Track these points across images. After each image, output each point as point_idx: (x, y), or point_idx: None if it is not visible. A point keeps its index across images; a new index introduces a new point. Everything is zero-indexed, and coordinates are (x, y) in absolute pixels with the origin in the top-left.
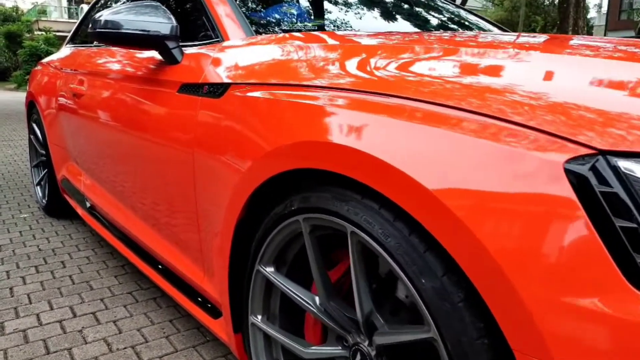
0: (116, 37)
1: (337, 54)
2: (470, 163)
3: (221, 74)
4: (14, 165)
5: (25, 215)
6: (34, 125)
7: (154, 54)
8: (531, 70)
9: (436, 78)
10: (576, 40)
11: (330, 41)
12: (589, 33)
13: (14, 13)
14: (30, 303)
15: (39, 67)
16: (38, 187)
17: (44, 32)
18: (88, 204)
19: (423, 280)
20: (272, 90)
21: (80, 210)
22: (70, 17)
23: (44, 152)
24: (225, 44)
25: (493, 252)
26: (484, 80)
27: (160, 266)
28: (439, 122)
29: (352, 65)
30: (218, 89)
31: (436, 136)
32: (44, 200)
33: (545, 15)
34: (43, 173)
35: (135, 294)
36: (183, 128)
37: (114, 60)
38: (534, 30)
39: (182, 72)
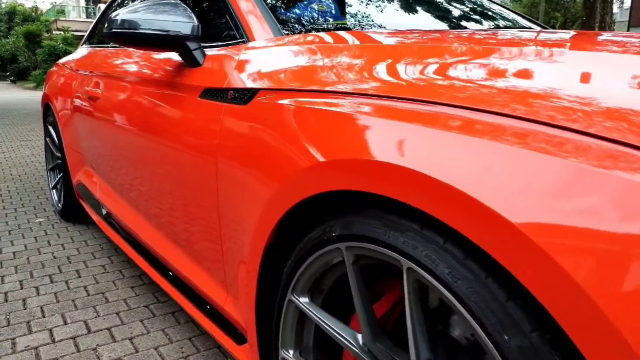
0: (133, 37)
1: (384, 56)
2: (568, 189)
3: (247, 79)
4: (31, 166)
5: (41, 220)
6: (50, 128)
7: (173, 56)
8: (585, 70)
9: (502, 85)
10: (614, 37)
11: (373, 41)
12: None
13: (33, 13)
14: (44, 317)
15: (54, 68)
16: (54, 191)
17: (62, 32)
18: (104, 211)
19: (506, 337)
20: (306, 98)
21: (95, 217)
22: (88, 16)
23: (59, 155)
24: (251, 44)
25: (604, 307)
26: (553, 84)
27: (178, 281)
28: (518, 139)
29: (402, 69)
30: (244, 95)
31: (516, 156)
32: (59, 205)
33: (565, 11)
34: (59, 176)
35: (153, 307)
36: (206, 136)
37: (131, 61)
38: (553, 27)
39: (204, 76)
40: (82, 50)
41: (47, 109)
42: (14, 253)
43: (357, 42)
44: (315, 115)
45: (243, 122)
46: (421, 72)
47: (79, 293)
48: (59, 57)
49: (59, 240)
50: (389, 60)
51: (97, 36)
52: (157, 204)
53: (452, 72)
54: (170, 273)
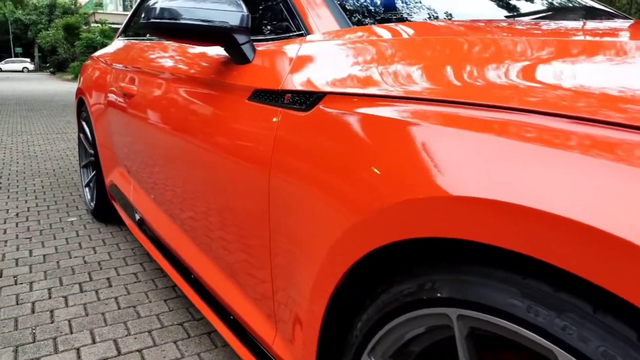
0: (173, 28)
1: (499, 54)
2: None
3: (309, 80)
4: (65, 160)
5: (73, 219)
6: (84, 123)
7: (216, 51)
8: None
9: None
10: None
11: (475, 33)
12: None
13: (73, 6)
14: (71, 332)
15: (89, 62)
16: (87, 189)
17: (99, 25)
18: (137, 217)
19: None
20: (394, 107)
21: (128, 222)
22: (125, 9)
23: (92, 152)
24: (311, 38)
25: None
26: None
27: (214, 301)
28: None
29: (536, 71)
30: (305, 100)
31: None
32: (92, 204)
33: None
34: (92, 174)
35: (187, 325)
36: (257, 144)
37: (168, 56)
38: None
39: (254, 75)
40: (117, 43)
41: (81, 103)
42: (44, 256)
43: (461, 34)
44: (409, 132)
45: (305, 132)
46: (540, 75)
47: (110, 305)
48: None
49: (91, 243)
50: (506, 61)
51: (132, 28)
52: (194, 216)
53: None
54: (207, 293)
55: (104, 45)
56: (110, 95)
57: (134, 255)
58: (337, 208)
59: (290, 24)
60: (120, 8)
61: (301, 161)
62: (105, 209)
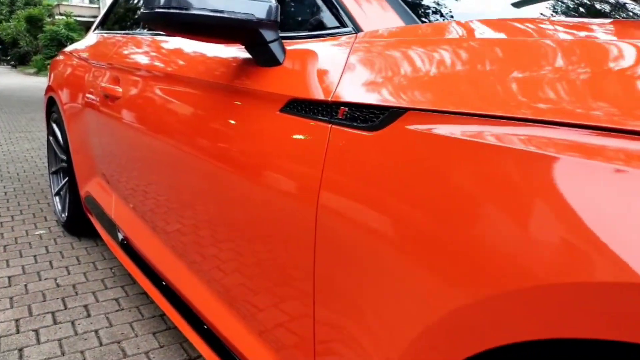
0: (184, 21)
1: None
2: None
3: (378, 91)
4: (30, 162)
5: (42, 232)
6: (54, 126)
7: (235, 50)
8: None
9: None
10: None
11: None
12: None
13: None
14: None
15: (61, 57)
16: (57, 198)
17: (64, 17)
18: (120, 236)
19: None
20: (520, 134)
21: (108, 240)
22: (91, 2)
23: (64, 157)
24: (366, 36)
25: None
26: None
27: (215, 340)
28: None
29: None
30: (371, 116)
31: None
32: (63, 215)
33: None
34: (63, 182)
35: None
36: (294, 168)
37: (165, 53)
38: None
39: (287, 81)
40: (94, 37)
41: (51, 103)
42: (9, 278)
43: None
44: (550, 171)
45: (373, 158)
46: None
47: (90, 341)
48: (61, 43)
49: (63, 262)
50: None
51: (112, 21)
52: (199, 246)
53: None
54: (210, 334)
55: (69, 38)
56: (88, 95)
57: (114, 277)
58: (432, 279)
59: (326, 18)
60: (87, 0)
61: (370, 196)
62: (79, 221)
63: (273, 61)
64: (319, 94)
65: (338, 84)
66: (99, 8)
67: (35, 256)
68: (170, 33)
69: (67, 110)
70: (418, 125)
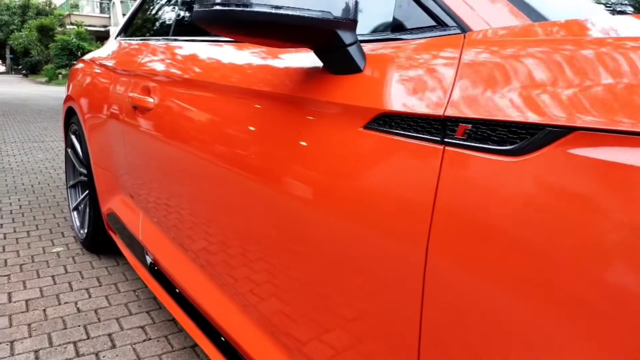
0: (246, 20)
1: None
2: None
3: (517, 104)
4: (45, 174)
5: (59, 250)
6: (73, 138)
7: (301, 58)
8: None
9: None
10: None
11: None
12: None
13: (47, 7)
14: None
15: (80, 65)
16: (75, 213)
17: (75, 26)
18: (149, 260)
19: None
20: None
21: (135, 263)
22: (102, 11)
23: (84, 171)
24: (477, 36)
25: None
26: None
27: None
28: None
29: None
30: (512, 136)
31: None
32: (82, 232)
33: None
34: (82, 196)
35: None
36: (391, 200)
37: (210, 61)
38: None
39: (372, 91)
40: (117, 44)
41: (70, 114)
42: (26, 302)
43: None
44: None
45: (518, 190)
46: None
47: None
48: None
49: (83, 283)
50: None
51: (138, 27)
52: (250, 281)
53: None
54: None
55: (79, 47)
56: (113, 106)
57: (138, 300)
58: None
59: (415, 17)
60: (97, 10)
61: (514, 246)
62: (99, 239)
63: (351, 68)
64: (423, 108)
65: (450, 94)
66: (109, 18)
67: (53, 277)
68: (228, 35)
69: (88, 122)
70: (588, 149)
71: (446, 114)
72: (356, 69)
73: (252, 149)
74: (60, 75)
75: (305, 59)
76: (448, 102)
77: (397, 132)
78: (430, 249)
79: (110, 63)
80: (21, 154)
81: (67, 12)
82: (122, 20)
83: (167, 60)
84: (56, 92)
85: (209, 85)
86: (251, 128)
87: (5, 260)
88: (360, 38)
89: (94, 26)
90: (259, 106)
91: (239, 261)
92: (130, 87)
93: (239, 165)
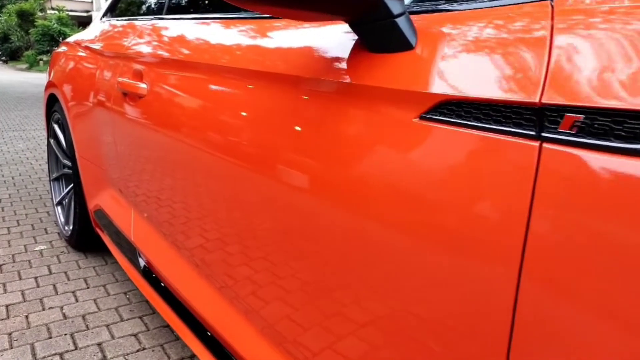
0: None
1: None
2: None
3: None
4: (26, 164)
5: (43, 247)
6: (56, 127)
7: (331, 33)
8: None
9: None
10: None
11: None
12: None
13: None
14: None
15: (63, 49)
16: (59, 208)
17: (56, 12)
18: (142, 263)
19: None
20: None
21: (125, 264)
22: None
23: (69, 164)
24: (572, 5)
25: None
26: None
27: None
28: None
29: None
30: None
31: None
32: (66, 228)
33: None
34: (66, 191)
35: None
36: (465, 206)
37: (213, 41)
38: None
39: (427, 72)
40: (104, 25)
41: (52, 101)
42: (7, 308)
43: None
44: None
45: None
46: None
47: None
48: (53, 38)
49: (69, 285)
50: None
51: (126, 5)
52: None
53: None
54: None
55: (61, 32)
56: (99, 93)
57: (130, 304)
58: None
59: None
60: None
61: None
62: (85, 236)
63: (400, 45)
64: (509, 94)
65: (545, 77)
66: (91, 2)
67: (36, 278)
68: (252, 5)
69: (72, 110)
70: None
71: (543, 100)
72: (406, 46)
73: (269, 142)
74: (41, 62)
75: (334, 34)
76: (544, 87)
77: (468, 124)
78: (523, 277)
79: (96, 46)
80: (0, 144)
81: None
82: (105, 5)
83: (162, 42)
84: (37, 79)
85: (214, 69)
86: (266, 118)
87: None
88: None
89: (76, 11)
90: (272, 91)
91: (240, 261)
92: (119, 72)
93: (251, 161)
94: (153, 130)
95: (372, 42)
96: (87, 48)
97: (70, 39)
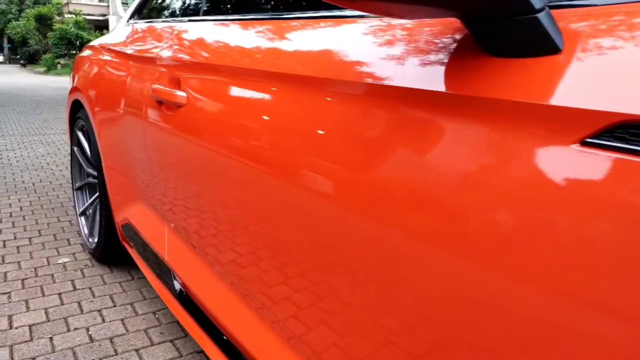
0: None
1: None
2: None
3: None
4: (47, 170)
5: (66, 260)
6: (80, 135)
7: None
8: None
9: None
10: None
11: None
12: None
13: None
14: None
15: (88, 53)
16: (82, 219)
17: (74, 15)
18: (177, 286)
19: None
20: None
21: (156, 284)
22: (100, 0)
23: (94, 173)
24: None
25: None
26: None
27: None
28: None
29: None
30: None
31: None
32: (90, 240)
33: None
34: (91, 200)
35: None
36: None
37: (279, 44)
38: None
39: (581, 81)
40: (132, 28)
41: (76, 107)
42: (30, 328)
43: None
44: None
45: None
46: None
47: None
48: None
49: (95, 303)
50: None
51: (155, 8)
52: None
53: None
54: None
55: (78, 36)
56: (130, 100)
57: (160, 326)
58: None
59: None
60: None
61: None
62: (111, 249)
63: (542, 47)
64: None
65: None
66: (108, 6)
67: (60, 295)
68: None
69: (98, 118)
70: None
71: None
72: (552, 49)
73: (356, 165)
74: (59, 65)
75: (448, 35)
76: None
77: None
78: None
79: (125, 50)
80: (21, 149)
81: (65, 1)
82: (121, 10)
83: (201, 45)
84: (55, 82)
85: (272, 77)
86: (351, 135)
87: (5, 274)
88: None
89: (93, 15)
90: (358, 104)
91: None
92: (152, 78)
93: (326, 188)
94: (194, 144)
95: (497, 44)
96: (115, 52)
97: (94, 43)
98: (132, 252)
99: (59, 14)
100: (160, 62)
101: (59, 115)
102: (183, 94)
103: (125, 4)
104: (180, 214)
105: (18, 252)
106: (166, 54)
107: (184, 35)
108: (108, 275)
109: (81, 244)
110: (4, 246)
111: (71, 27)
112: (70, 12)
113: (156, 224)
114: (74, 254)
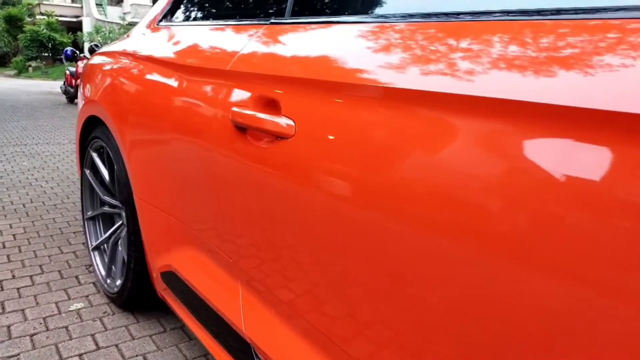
0: None
1: None
2: None
3: None
4: (36, 187)
5: (79, 306)
6: (95, 156)
7: None
8: None
9: None
10: None
11: None
12: None
13: None
14: None
15: (102, 60)
16: (96, 254)
17: (46, 17)
18: None
19: None
20: None
21: (215, 348)
22: (73, 1)
23: (114, 202)
24: None
25: None
26: None
27: None
28: None
29: None
30: None
31: None
32: (109, 282)
33: None
34: (107, 234)
35: None
36: None
37: (424, 54)
38: None
39: None
40: (168, 32)
41: (90, 125)
42: None
43: None
44: None
45: None
46: None
47: None
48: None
49: None
50: None
51: (202, 6)
52: None
53: None
54: None
55: (50, 39)
56: (187, 123)
57: None
58: None
59: None
60: (69, 0)
61: None
62: (141, 296)
63: None
64: None
65: None
66: (81, 7)
67: (81, 357)
68: None
69: (131, 140)
70: None
71: None
72: None
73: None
74: (30, 68)
75: None
76: None
77: None
78: None
79: (170, 58)
80: (2, 162)
81: (36, 2)
82: (95, 11)
83: (321, 57)
84: (27, 86)
85: (436, 100)
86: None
87: (9, 329)
88: None
89: (66, 16)
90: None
91: None
92: (227, 96)
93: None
94: (305, 189)
95: None
96: (151, 60)
97: (107, 49)
98: (178, 308)
99: (30, 15)
100: (237, 77)
101: (38, 123)
102: (290, 121)
103: (99, 5)
104: (275, 276)
105: (20, 297)
106: (247, 65)
107: (280, 39)
108: (134, 327)
109: (93, 283)
110: (2, 288)
111: (43, 29)
112: (42, 14)
113: (222, 282)
114: (87, 296)
